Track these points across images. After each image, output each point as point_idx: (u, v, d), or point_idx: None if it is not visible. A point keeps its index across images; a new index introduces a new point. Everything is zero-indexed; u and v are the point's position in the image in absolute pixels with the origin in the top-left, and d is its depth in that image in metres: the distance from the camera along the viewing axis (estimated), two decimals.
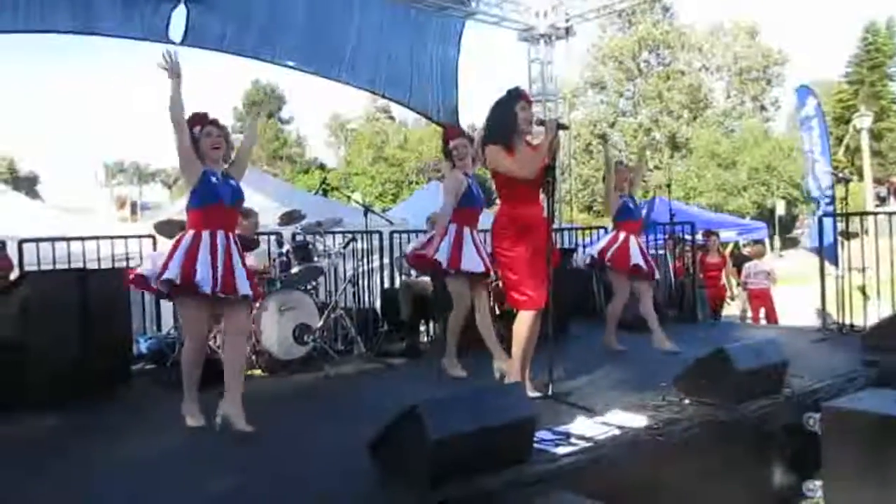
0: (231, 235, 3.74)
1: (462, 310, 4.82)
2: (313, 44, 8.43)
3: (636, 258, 5.66)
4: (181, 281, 3.56)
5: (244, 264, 3.77)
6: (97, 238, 5.70)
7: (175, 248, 3.68)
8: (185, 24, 7.54)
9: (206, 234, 3.64)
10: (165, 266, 3.63)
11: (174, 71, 3.67)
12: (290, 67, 8.61)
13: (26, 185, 38.90)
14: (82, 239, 5.55)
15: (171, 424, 3.95)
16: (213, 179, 3.70)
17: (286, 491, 2.69)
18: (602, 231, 8.54)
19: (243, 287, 3.65)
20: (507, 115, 3.99)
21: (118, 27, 7.34)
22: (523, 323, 3.98)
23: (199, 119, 3.80)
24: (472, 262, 4.71)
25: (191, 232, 3.68)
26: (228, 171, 3.84)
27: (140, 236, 6.05)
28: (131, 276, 4.07)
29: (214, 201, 3.68)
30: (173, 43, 7.46)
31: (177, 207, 8.88)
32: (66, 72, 62.27)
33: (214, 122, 3.83)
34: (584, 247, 8.91)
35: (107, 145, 67.52)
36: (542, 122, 4.16)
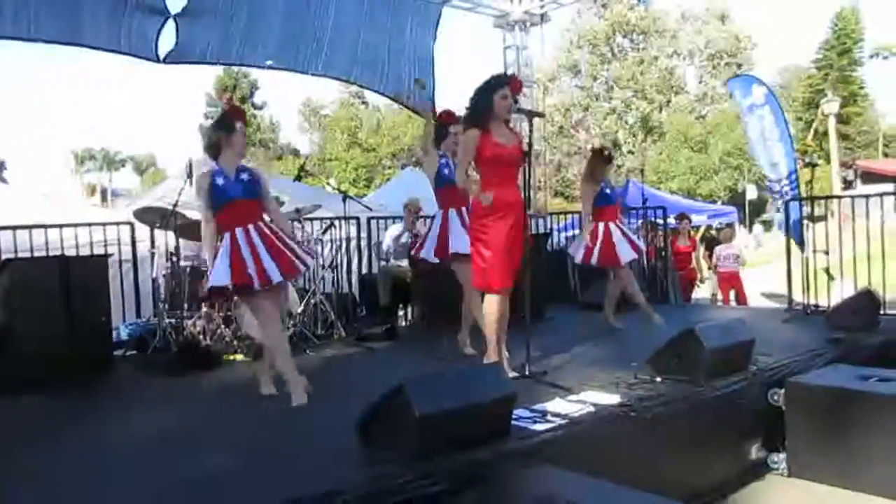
0: (252, 227, 3.83)
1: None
2: (291, 41, 8.36)
3: (626, 255, 5.74)
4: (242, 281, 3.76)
5: (275, 246, 3.84)
6: (76, 225, 5.70)
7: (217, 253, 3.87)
8: (175, 41, 7.41)
9: (227, 235, 3.81)
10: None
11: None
12: (269, 68, 8.57)
13: None
14: (61, 226, 5.55)
15: (154, 407, 4.03)
16: (220, 181, 3.82)
17: (274, 469, 2.77)
18: (574, 217, 8.71)
19: (275, 275, 3.76)
20: (485, 101, 4.07)
21: (104, 41, 7.16)
22: (491, 305, 4.08)
23: (243, 115, 4.03)
24: (458, 243, 4.73)
25: (221, 235, 3.87)
26: (249, 166, 4.00)
27: (118, 223, 6.05)
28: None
29: (226, 201, 3.81)
30: (158, 60, 7.35)
31: (156, 193, 8.83)
32: (32, 58, 61.00)
33: (247, 122, 4.04)
34: (559, 231, 9.09)
35: (76, 132, 66.42)
36: (520, 110, 4.25)
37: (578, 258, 6.00)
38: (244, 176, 3.88)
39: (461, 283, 4.86)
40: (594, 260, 5.82)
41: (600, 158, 5.94)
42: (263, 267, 3.74)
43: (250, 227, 3.82)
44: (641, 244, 6.13)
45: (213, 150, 3.89)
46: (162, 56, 7.41)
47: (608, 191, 5.90)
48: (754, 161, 31.16)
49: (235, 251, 3.75)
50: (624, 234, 5.86)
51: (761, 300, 10.48)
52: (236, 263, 3.73)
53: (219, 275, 3.74)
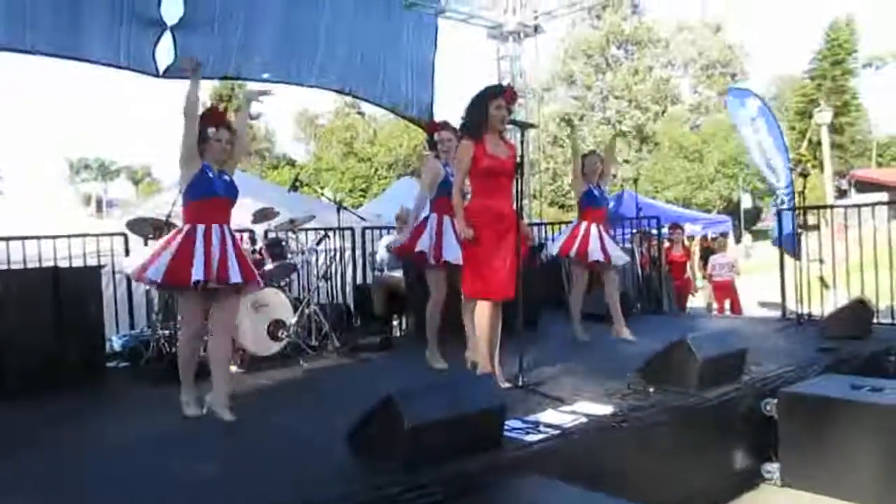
0: (226, 227, 3.85)
1: (439, 300, 4.92)
2: (287, 52, 8.36)
3: (595, 254, 5.71)
4: (167, 280, 3.72)
5: (241, 254, 3.87)
6: (68, 236, 5.70)
7: (167, 243, 3.80)
8: (174, 54, 7.37)
9: (200, 228, 3.76)
10: (153, 262, 3.76)
11: (194, 66, 3.84)
12: (266, 81, 8.58)
13: None
14: (54, 237, 5.54)
15: (146, 417, 4.02)
16: (210, 174, 3.82)
17: (262, 478, 2.76)
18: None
19: (235, 276, 3.75)
20: (480, 112, 4.11)
21: (102, 55, 7.06)
22: (482, 314, 4.09)
23: (217, 119, 3.91)
24: (452, 252, 4.74)
25: (186, 227, 3.81)
26: (223, 167, 3.95)
27: (112, 234, 6.04)
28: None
29: (211, 196, 3.81)
30: (158, 75, 7.31)
31: (149, 204, 8.83)
32: (27, 68, 61.02)
33: (228, 126, 3.92)
34: (554, 241, 9.09)
35: (71, 142, 66.43)
36: (513, 122, 4.27)
37: (554, 250, 6.09)
38: (226, 177, 3.91)
39: (434, 290, 4.92)
40: (572, 253, 5.82)
41: (587, 156, 5.99)
42: (227, 265, 3.74)
43: (225, 227, 3.85)
44: (618, 254, 5.94)
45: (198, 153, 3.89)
46: (161, 70, 7.38)
47: (595, 192, 5.89)
48: (749, 171, 31.47)
49: (208, 246, 3.74)
50: (601, 238, 5.80)
51: (756, 309, 10.50)
52: (207, 258, 3.72)
53: (198, 270, 3.70)
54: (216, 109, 4.15)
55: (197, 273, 3.65)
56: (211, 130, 3.84)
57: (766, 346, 5.13)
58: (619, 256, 5.93)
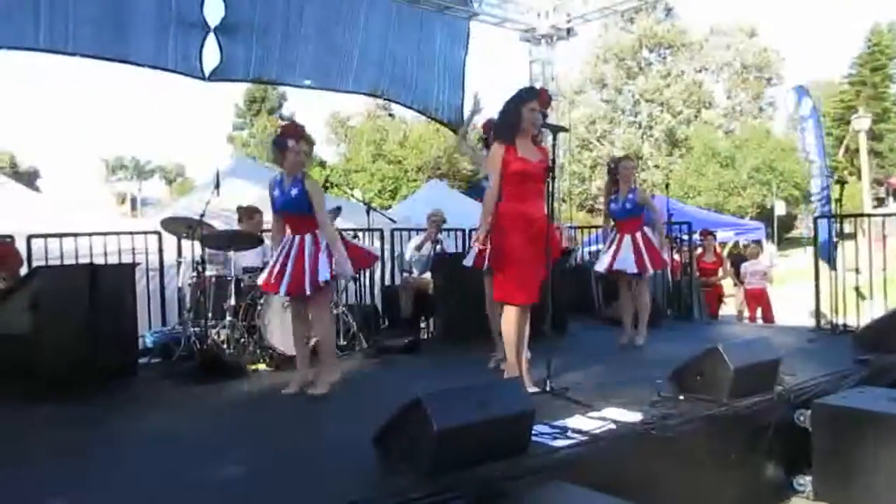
0: (297, 238, 4.12)
1: (489, 301, 4.94)
2: (325, 61, 8.42)
3: (598, 265, 5.83)
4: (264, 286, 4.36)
5: (299, 264, 4.07)
6: (104, 234, 5.81)
7: None
8: (220, 58, 7.47)
9: (284, 239, 4.19)
10: None
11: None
12: (308, 87, 8.66)
13: (26, 179, 38.90)
14: (90, 234, 5.65)
15: (174, 415, 4.08)
16: (275, 192, 4.13)
17: (287, 479, 2.78)
18: (598, 232, 8.67)
19: (298, 287, 4.08)
20: (513, 115, 4.10)
21: (148, 57, 7.11)
22: (510, 318, 4.07)
23: (296, 132, 4.16)
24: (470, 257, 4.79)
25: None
26: (303, 177, 4.13)
27: (146, 232, 6.14)
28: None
29: (275, 211, 4.21)
30: (202, 78, 7.40)
31: (180, 204, 8.95)
32: (66, 67, 62.38)
33: (308, 139, 4.23)
34: (583, 245, 9.05)
35: (107, 141, 67.74)
36: (545, 125, 4.25)
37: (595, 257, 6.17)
38: (294, 191, 4.07)
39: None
40: (599, 266, 5.94)
41: (621, 161, 6.01)
42: (282, 279, 4.08)
43: (296, 238, 4.11)
44: (626, 264, 5.70)
45: (276, 162, 4.20)
46: (207, 73, 7.45)
47: (613, 205, 5.89)
48: (783, 177, 30.94)
49: (276, 258, 4.15)
50: (616, 249, 5.73)
51: (787, 318, 10.31)
52: (270, 269, 4.17)
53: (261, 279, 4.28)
54: (294, 123, 4.45)
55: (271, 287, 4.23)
56: (291, 142, 4.04)
57: (799, 355, 5.03)
58: (627, 264, 5.71)
